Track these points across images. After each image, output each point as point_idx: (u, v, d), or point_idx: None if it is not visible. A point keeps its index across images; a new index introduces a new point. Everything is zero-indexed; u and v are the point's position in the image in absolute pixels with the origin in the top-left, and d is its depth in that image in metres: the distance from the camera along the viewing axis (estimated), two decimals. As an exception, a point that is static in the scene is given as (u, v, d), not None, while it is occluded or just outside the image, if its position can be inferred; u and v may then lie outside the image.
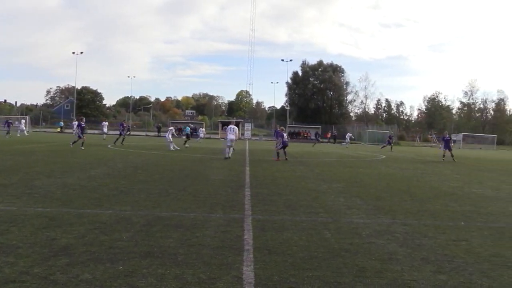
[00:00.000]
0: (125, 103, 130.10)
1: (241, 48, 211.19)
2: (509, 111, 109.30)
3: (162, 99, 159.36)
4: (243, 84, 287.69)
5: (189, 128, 40.07)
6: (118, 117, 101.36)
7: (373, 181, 14.31)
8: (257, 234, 6.45)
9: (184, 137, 36.17)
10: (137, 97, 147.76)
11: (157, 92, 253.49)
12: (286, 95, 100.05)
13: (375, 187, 12.78)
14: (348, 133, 55.27)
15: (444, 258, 5.63)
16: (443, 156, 27.62)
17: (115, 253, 5.29)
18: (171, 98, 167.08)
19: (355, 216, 8.15)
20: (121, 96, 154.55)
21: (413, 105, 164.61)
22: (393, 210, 8.98)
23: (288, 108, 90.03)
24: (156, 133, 68.19)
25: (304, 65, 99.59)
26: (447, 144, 27.71)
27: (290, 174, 15.36)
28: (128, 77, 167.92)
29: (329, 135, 68.69)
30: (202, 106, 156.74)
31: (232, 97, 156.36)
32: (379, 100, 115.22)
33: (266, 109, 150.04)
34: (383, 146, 44.65)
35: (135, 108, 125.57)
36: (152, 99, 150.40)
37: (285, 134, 22.98)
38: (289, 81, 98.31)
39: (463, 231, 7.22)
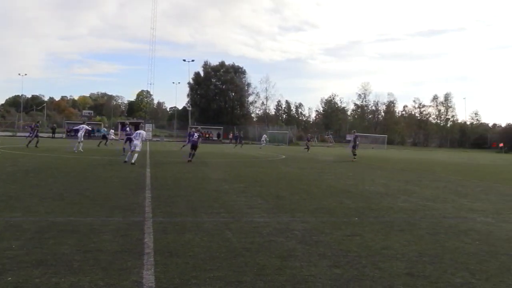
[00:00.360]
0: (15, 103, 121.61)
1: (142, 47, 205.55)
2: (398, 113, 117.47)
3: (57, 98, 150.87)
4: (144, 84, 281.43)
5: (105, 129, 38.38)
6: (7, 117, 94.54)
7: (274, 181, 14.65)
8: (158, 237, 6.34)
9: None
10: (29, 96, 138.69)
11: (51, 91, 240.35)
12: (188, 95, 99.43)
13: (275, 186, 13.09)
14: (264, 135, 56.35)
15: (340, 253, 5.91)
16: (354, 156, 28.67)
17: (4, 263, 4.93)
18: (67, 97, 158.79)
19: (256, 215, 8.29)
20: (10, 95, 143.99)
21: (311, 107, 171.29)
22: (293, 208, 9.26)
23: (190, 108, 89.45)
24: (51, 135, 64.47)
25: (206, 65, 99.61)
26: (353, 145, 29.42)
27: (192, 175, 15.27)
28: (19, 74, 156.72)
29: (231, 135, 69.21)
30: (101, 106, 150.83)
31: (132, 97, 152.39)
32: (279, 101, 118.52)
33: (168, 109, 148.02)
34: (306, 148, 45.30)
35: (26, 107, 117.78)
36: (46, 98, 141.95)
37: (196, 134, 21.84)
38: (191, 81, 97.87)
39: (357, 227, 7.63)
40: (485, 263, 5.70)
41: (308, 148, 44.66)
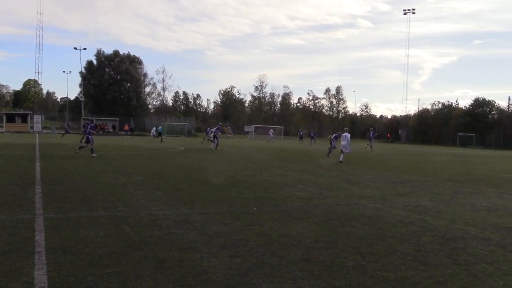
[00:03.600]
0: None
1: (28, 33, 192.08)
2: (293, 105, 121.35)
3: None
4: (31, 72, 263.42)
5: None
6: None
7: (173, 173, 14.51)
8: (50, 234, 6.01)
9: None
10: None
11: None
12: (80, 85, 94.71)
13: (174, 178, 12.97)
14: (154, 128, 55.39)
15: (239, 243, 6.01)
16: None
17: None
18: None
19: (155, 208, 8.16)
20: None
21: (209, 98, 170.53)
22: (192, 200, 9.24)
23: (83, 99, 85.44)
24: None
25: (99, 54, 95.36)
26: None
27: (87, 169, 14.65)
28: None
29: (126, 127, 67.21)
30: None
31: (19, 86, 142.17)
32: (177, 92, 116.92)
33: (59, 100, 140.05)
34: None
35: None
36: None
37: (88, 127, 21.19)
38: (83, 71, 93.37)
39: (256, 216, 7.80)
40: (374, 246, 6.09)
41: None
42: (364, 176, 15.61)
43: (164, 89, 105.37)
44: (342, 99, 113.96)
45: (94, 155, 20.03)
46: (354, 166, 20.00)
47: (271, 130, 63.19)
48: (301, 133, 58.34)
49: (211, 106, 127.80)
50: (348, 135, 23.17)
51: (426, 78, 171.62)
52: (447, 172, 19.09)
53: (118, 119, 71.13)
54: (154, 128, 54.28)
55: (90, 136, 20.84)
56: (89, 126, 21.36)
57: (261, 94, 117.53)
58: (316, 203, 9.53)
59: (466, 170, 20.86)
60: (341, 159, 21.90)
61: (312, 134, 58.27)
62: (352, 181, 14.07)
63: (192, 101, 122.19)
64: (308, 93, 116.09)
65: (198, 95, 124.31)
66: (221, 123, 38.70)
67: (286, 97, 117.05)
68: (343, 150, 22.54)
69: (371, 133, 39.94)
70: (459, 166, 23.57)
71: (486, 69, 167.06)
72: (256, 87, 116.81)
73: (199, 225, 6.92)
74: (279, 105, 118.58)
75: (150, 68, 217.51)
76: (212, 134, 32.05)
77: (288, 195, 10.51)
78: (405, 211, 8.87)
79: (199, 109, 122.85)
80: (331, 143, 26.96)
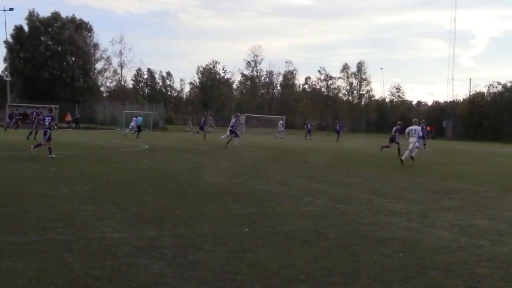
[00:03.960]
0: None
1: None
2: (299, 87, 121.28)
3: None
4: None
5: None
6: None
7: (133, 180, 14.47)
8: (-39, 267, 5.95)
9: None
10: None
11: None
12: (5, 60, 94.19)
13: (135, 187, 12.94)
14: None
15: (225, 276, 5.97)
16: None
17: None
18: None
19: (108, 229, 8.12)
20: None
21: (184, 78, 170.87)
22: (160, 217, 9.20)
23: (8, 78, 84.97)
24: None
25: (32, 17, 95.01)
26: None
27: (14, 175, 14.57)
28: None
29: (68, 117, 66.83)
30: None
31: None
32: (139, 70, 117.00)
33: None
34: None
35: None
36: None
37: (48, 118, 21.48)
38: (10, 39, 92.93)
39: (248, 240, 7.76)
40: (410, 281, 6.07)
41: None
42: (396, 185, 15.64)
43: (122, 65, 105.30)
44: (365, 79, 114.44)
45: (53, 156, 20.43)
46: (382, 170, 20.03)
47: (281, 121, 62.39)
48: (309, 126, 58.31)
49: (186, 88, 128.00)
50: (418, 128, 24.55)
51: (481, 50, 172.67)
52: (510, 179, 19.15)
53: (58, 106, 70.92)
54: (135, 119, 54.30)
55: (49, 130, 21.13)
56: (48, 118, 21.52)
57: (255, 73, 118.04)
58: (330, 221, 9.51)
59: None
60: (404, 157, 23.21)
61: (339, 127, 58.10)
62: (379, 191, 14.07)
63: (160, 82, 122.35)
64: (319, 71, 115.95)
65: (168, 74, 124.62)
66: (239, 114, 40.57)
67: (289, 76, 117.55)
68: (412, 147, 23.81)
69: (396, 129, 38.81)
70: (525, 170, 23.64)
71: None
72: (248, 63, 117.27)
73: (169, 252, 6.87)
74: (279, 88, 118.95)
75: (103, 37, 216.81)
76: (230, 128, 33.70)
77: (292, 210, 10.48)
78: (452, 233, 8.86)
79: (170, 93, 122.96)
80: (393, 139, 28.78)
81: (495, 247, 7.96)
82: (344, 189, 14.18)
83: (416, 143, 24.07)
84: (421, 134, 24.82)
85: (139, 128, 48.88)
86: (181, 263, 6.44)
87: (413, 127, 24.34)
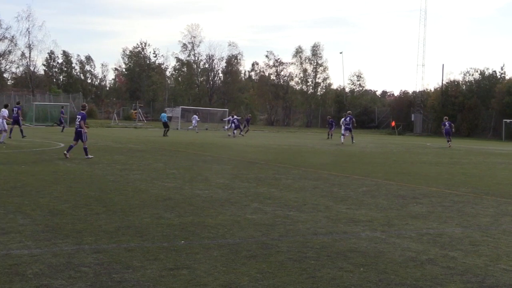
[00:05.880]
0: None
1: None
2: (245, 74, 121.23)
3: None
4: None
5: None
6: None
7: (46, 186, 14.29)
8: None
9: None
10: None
11: None
12: None
13: (49, 194, 12.80)
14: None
15: (157, 298, 5.96)
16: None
17: None
18: None
19: (15, 245, 8.03)
20: None
21: (107, 63, 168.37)
22: (79, 229, 9.12)
23: None
24: None
25: None
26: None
27: None
28: None
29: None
30: None
31: None
32: (52, 53, 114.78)
33: None
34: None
35: None
36: None
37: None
38: None
39: (184, 254, 7.78)
40: (373, 299, 6.18)
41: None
42: (357, 188, 15.85)
43: (30, 47, 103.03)
44: (321, 65, 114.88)
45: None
46: (341, 172, 20.25)
47: (195, 115, 62.47)
48: (332, 122, 55.81)
49: (110, 75, 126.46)
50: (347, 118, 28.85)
51: (455, 32, 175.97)
52: (486, 181, 19.61)
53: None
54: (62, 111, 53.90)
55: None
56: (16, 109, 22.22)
57: (193, 57, 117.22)
58: (281, 231, 9.59)
59: (515, 177, 21.48)
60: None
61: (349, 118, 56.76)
62: (337, 195, 14.25)
63: (78, 68, 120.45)
64: (267, 56, 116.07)
65: (88, 58, 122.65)
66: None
67: (232, 61, 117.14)
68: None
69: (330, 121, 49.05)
70: (505, 171, 24.24)
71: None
72: (184, 46, 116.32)
73: (90, 271, 6.83)
74: (221, 75, 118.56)
75: (5, 12, 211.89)
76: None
77: (236, 219, 10.53)
78: (421, 243, 9.04)
79: (90, 81, 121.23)
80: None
81: (468, 258, 8.16)
82: (297, 193, 14.30)
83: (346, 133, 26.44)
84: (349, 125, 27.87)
85: (61, 122, 48.67)
86: (104, 283, 6.40)
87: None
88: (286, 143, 43.17)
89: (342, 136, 43.26)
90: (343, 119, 44.14)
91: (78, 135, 22.64)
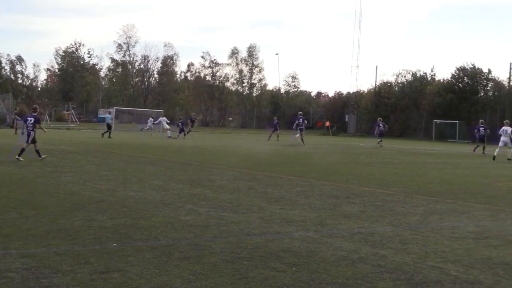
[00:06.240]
0: None
1: None
2: (180, 75, 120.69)
3: None
4: None
5: None
6: None
7: (-25, 188, 14.00)
8: None
9: None
10: None
11: None
12: None
13: (-23, 197, 12.54)
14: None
15: (88, 301, 5.91)
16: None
17: None
18: None
19: None
20: None
21: (39, 63, 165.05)
22: (5, 233, 8.99)
23: None
24: None
25: None
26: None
27: None
28: None
29: None
30: None
31: None
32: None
33: None
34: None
35: None
36: None
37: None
38: None
39: (116, 257, 7.72)
40: (304, 299, 6.24)
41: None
42: (291, 189, 15.97)
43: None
44: (257, 66, 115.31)
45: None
46: (275, 173, 20.36)
47: (151, 118, 62.23)
48: (277, 123, 54.79)
49: (42, 75, 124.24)
50: (510, 128, 32.99)
51: (389, 34, 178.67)
52: (416, 180, 19.97)
53: None
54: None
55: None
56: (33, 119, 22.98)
57: (128, 58, 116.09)
58: (215, 233, 9.60)
59: (445, 177, 21.93)
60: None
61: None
62: (272, 196, 14.34)
63: (8, 68, 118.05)
64: (202, 57, 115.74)
65: (19, 58, 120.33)
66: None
67: (168, 62, 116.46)
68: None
69: (275, 122, 51.51)
70: (434, 171, 24.72)
71: (476, 22, 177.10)
72: (119, 46, 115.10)
73: (17, 277, 6.72)
74: (156, 76, 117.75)
75: None
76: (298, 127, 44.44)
77: (170, 221, 10.49)
78: (353, 242, 9.17)
79: (21, 81, 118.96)
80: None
81: (398, 256, 8.32)
82: (232, 194, 14.33)
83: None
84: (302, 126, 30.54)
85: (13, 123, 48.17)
86: (33, 288, 6.32)
87: (506, 128, 32.83)
88: (221, 144, 43.18)
89: (293, 136, 46.84)
90: (297, 121, 46.37)
91: (29, 136, 22.57)
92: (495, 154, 32.52)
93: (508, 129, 33.18)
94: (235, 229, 9.98)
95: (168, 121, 56.90)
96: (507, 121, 35.16)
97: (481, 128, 40.91)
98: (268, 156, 31.30)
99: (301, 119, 46.14)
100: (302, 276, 7.11)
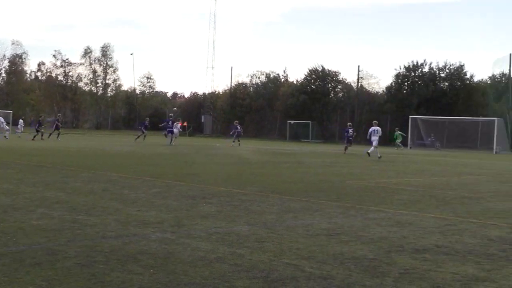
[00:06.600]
0: None
1: None
2: (30, 75, 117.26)
3: None
4: None
5: None
6: None
7: None
8: None
9: None
10: None
11: None
12: None
13: None
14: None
15: None
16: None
17: None
18: None
19: None
20: None
21: None
22: None
23: None
24: None
25: None
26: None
27: None
28: None
29: None
30: None
31: None
32: None
33: None
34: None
35: None
36: None
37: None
38: None
39: (-37, 264, 7.37)
40: (162, 301, 6.20)
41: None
42: (148, 190, 15.85)
43: None
44: (111, 66, 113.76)
45: None
46: (131, 174, 20.18)
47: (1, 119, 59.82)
48: (348, 131, 46.57)
49: None
50: (380, 128, 37.59)
51: (243, 36, 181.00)
52: (272, 180, 20.35)
53: None
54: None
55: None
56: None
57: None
58: (69, 236, 9.36)
59: (299, 176, 22.50)
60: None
61: (145, 124, 54.56)
62: (128, 197, 14.19)
63: None
64: (54, 56, 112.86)
65: None
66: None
67: (17, 61, 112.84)
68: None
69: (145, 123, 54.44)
70: (289, 170, 25.32)
71: (327, 25, 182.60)
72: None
73: None
74: (4, 75, 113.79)
75: None
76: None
77: (20, 226, 10.14)
78: (210, 242, 9.20)
79: None
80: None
81: (255, 255, 8.42)
82: (86, 197, 14.06)
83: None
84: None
85: None
86: None
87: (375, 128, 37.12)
88: (75, 145, 42.35)
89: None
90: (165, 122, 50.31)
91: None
92: (369, 151, 36.30)
93: (379, 129, 37.23)
94: (90, 232, 9.79)
95: (7, 122, 55.39)
96: (375, 121, 38.99)
97: (350, 130, 44.10)
98: (124, 157, 31.01)
99: (170, 121, 49.19)
100: (160, 277, 7.06)
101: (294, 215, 12.30)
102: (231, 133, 52.15)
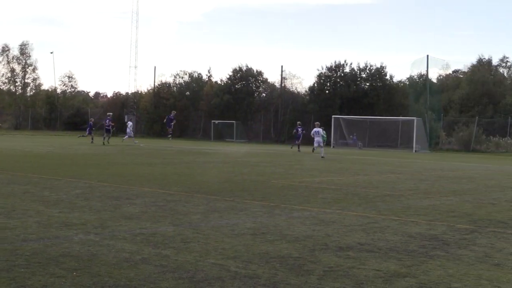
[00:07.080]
0: None
1: None
2: None
3: None
4: None
5: None
6: None
7: None
8: None
9: None
10: None
11: None
12: None
13: None
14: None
15: None
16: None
17: None
18: None
19: None
20: None
21: None
22: None
23: None
24: None
25: None
26: None
27: None
28: None
29: None
30: None
31: None
32: None
33: None
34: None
35: None
36: None
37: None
38: None
39: None
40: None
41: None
42: (70, 191, 15.59)
43: None
44: (31, 65, 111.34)
45: None
46: (53, 175, 19.80)
47: None
48: (298, 129, 49.55)
49: None
50: (321, 129, 39.49)
51: (166, 35, 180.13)
52: (197, 179, 20.31)
53: None
54: None
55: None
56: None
57: None
58: (-13, 240, 9.12)
59: (224, 175, 22.50)
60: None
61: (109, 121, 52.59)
62: (49, 199, 13.92)
63: None
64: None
65: None
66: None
67: None
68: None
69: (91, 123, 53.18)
70: (214, 170, 25.32)
71: (250, 26, 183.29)
72: None
73: None
74: None
75: None
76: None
77: None
78: (135, 244, 9.09)
79: None
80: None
81: (180, 255, 8.35)
82: (6, 199, 13.72)
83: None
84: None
85: None
86: None
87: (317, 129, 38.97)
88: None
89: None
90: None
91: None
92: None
93: (320, 130, 38.88)
94: (10, 235, 9.53)
95: None
96: (317, 123, 41.28)
97: (299, 129, 47.52)
98: (45, 158, 30.45)
99: (108, 120, 50.44)
100: (83, 280, 6.92)
101: (220, 215, 12.28)
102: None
